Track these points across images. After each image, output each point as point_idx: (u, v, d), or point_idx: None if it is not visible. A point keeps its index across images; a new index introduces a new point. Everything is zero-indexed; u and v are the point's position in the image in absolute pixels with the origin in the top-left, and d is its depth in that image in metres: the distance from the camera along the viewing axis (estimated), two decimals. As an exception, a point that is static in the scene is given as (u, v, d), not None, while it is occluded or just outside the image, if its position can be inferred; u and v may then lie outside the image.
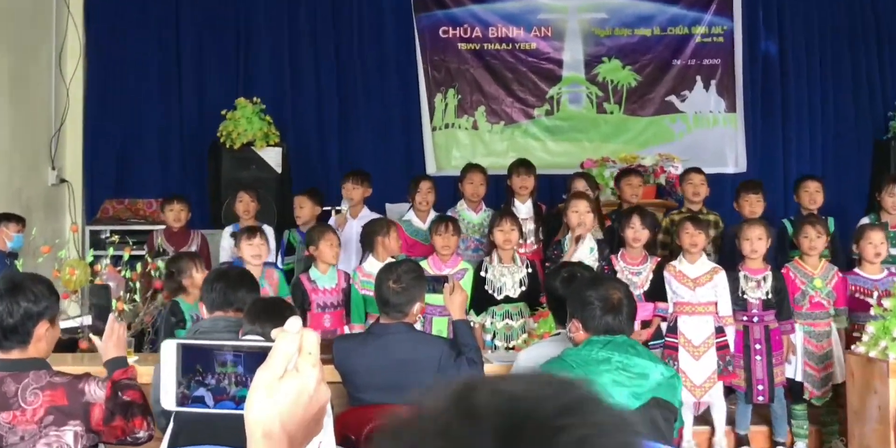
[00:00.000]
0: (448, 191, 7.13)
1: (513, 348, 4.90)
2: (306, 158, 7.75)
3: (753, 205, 5.98)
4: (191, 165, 7.68)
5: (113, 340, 2.96)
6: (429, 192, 6.12)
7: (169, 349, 1.15)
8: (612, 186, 6.85)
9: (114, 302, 4.27)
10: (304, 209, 6.19)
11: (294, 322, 1.06)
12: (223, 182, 7.03)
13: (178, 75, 7.76)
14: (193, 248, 6.16)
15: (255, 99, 7.15)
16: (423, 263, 5.14)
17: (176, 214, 6.23)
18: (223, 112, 7.07)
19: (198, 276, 4.74)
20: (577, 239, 5.07)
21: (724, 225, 6.08)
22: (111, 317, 3.04)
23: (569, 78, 8.00)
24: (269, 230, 5.92)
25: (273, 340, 1.06)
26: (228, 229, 6.17)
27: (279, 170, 7.14)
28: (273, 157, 7.14)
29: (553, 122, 8.01)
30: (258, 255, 5.05)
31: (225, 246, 6.09)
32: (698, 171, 6.26)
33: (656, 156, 7.23)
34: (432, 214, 6.14)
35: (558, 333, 3.44)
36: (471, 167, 6.32)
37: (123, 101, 7.69)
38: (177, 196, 6.38)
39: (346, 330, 5.09)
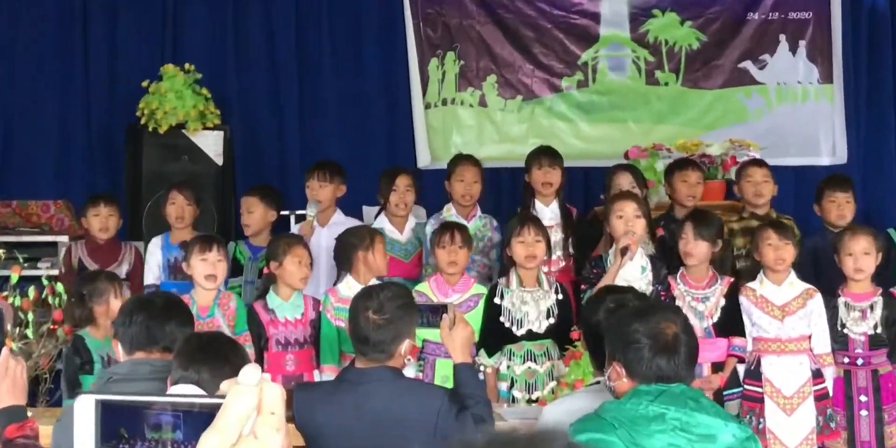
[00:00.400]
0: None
1: (536, 401, 4.91)
2: (256, 146, 7.75)
3: (842, 207, 6.00)
4: (101, 156, 7.66)
5: (7, 384, 2.95)
6: (407, 190, 6.14)
7: (85, 407, 1.15)
8: (665, 183, 6.83)
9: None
10: (254, 214, 6.19)
11: (251, 371, 1.08)
12: (145, 178, 7.03)
13: (84, 34, 7.73)
14: (125, 267, 6.17)
15: (187, 66, 7.14)
16: (423, 287, 5.24)
17: (103, 221, 6.21)
18: (144, 84, 7.07)
19: (116, 303, 4.73)
20: (623, 252, 5.07)
21: (799, 233, 6.03)
22: (4, 351, 3.02)
23: (609, 37, 7.99)
24: None
25: (223, 395, 1.07)
26: (157, 241, 6.17)
27: (220, 161, 7.15)
28: (212, 144, 7.14)
29: (588, 96, 8.00)
30: (213, 274, 5.07)
31: (153, 263, 6.09)
32: (759, 163, 6.29)
33: (726, 142, 7.23)
34: (412, 222, 6.18)
35: (597, 382, 3.46)
36: (460, 160, 6.35)
37: (8, 67, 7.67)
38: (104, 196, 6.37)
39: (316, 375, 5.10)
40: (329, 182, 6.19)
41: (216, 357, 3.08)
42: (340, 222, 6.09)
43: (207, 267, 5.06)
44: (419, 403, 3.41)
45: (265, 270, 5.40)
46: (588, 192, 7.51)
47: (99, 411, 1.15)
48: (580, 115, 8.01)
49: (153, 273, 6.04)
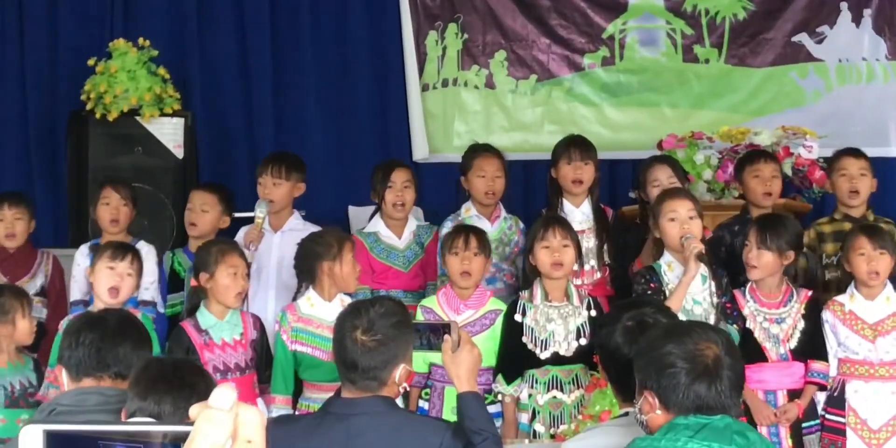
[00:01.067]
0: (449, 188, 7.06)
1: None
2: (223, 136, 7.75)
3: None
4: (39, 148, 7.65)
5: None
6: (406, 186, 6.12)
7: (31, 438, 1.17)
8: (706, 179, 6.84)
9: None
10: (207, 215, 6.17)
11: (224, 393, 1.13)
12: (91, 173, 6.99)
13: (19, 3, 7.70)
14: (40, 280, 6.12)
15: (141, 41, 7.12)
16: (431, 301, 5.24)
17: (8, 226, 6.15)
18: (91, 62, 7.05)
19: (24, 323, 4.79)
20: (700, 258, 5.02)
21: None
22: None
23: (639, 6, 7.99)
24: (146, 250, 5.87)
25: (191, 422, 1.11)
26: (84, 249, 6.08)
27: (180, 154, 7.14)
28: (171, 133, 7.12)
29: (614, 76, 8.02)
30: (116, 288, 5.09)
31: (79, 275, 5.99)
32: (856, 153, 6.21)
33: (778, 130, 7.18)
34: (412, 224, 6.16)
35: (625, 414, 3.44)
36: (479, 150, 6.32)
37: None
38: (9, 197, 6.29)
39: (260, 404, 5.08)
40: (285, 179, 6.12)
41: (181, 386, 3.06)
42: (297, 228, 6.06)
43: (112, 278, 5.10)
44: (417, 440, 3.40)
45: (192, 283, 5.35)
46: (614, 189, 7.44)
47: (47, 444, 1.17)
48: (605, 98, 8.03)
49: (80, 287, 5.95)
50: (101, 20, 7.66)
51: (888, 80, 7.96)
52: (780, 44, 7.97)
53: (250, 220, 6.58)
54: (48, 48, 7.69)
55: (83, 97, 6.98)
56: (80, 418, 3.16)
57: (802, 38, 7.97)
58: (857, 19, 7.96)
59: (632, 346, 3.35)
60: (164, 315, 5.98)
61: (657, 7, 7.99)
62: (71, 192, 7.18)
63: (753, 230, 5.17)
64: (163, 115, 7.04)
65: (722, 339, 3.01)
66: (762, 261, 5.12)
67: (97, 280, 5.12)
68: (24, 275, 6.11)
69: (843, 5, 7.95)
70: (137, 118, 6.99)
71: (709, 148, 7.01)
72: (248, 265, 5.26)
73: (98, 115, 6.93)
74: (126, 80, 6.94)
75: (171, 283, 6.13)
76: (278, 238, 6.02)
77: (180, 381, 3.08)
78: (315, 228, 5.98)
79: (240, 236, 5.97)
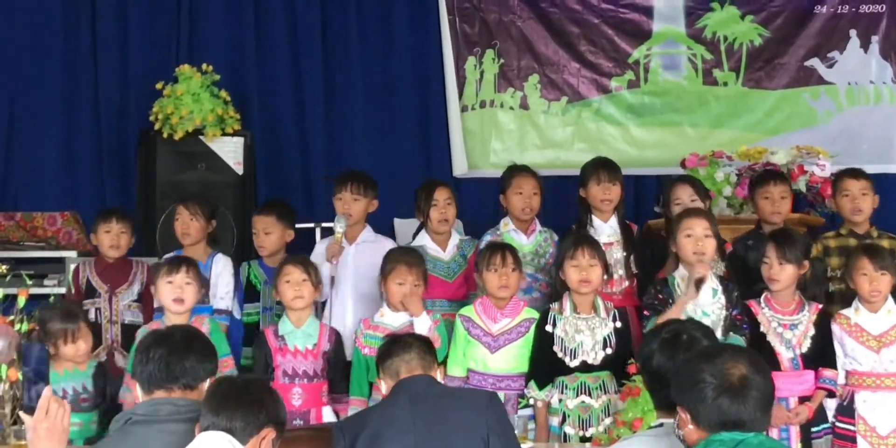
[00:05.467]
0: (486, 202, 7.04)
1: (590, 439, 4.85)
2: (279, 153, 7.75)
3: None
4: (111, 164, 7.67)
5: (44, 429, 2.92)
6: (448, 203, 6.06)
7: None
8: (726, 195, 6.80)
9: (3, 368, 4.20)
10: (272, 236, 6.09)
11: None
12: (159, 188, 7.02)
13: (92, 32, 7.74)
14: (136, 287, 6.07)
15: (205, 66, 7.13)
16: (469, 311, 5.26)
17: (114, 238, 6.07)
18: (158, 86, 7.06)
19: (67, 349, 4.78)
20: (699, 283, 4.99)
21: None
22: (46, 392, 2.99)
23: (662, 33, 7.98)
24: (223, 262, 5.91)
25: None
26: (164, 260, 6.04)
27: (240, 170, 7.14)
28: (231, 151, 7.13)
29: (639, 98, 8.00)
30: (180, 298, 5.11)
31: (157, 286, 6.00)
32: (856, 174, 6.12)
33: (792, 149, 7.12)
34: (455, 238, 6.10)
35: (660, 424, 3.38)
36: (517, 170, 6.25)
37: (10, 68, 7.67)
38: (116, 211, 6.22)
39: (326, 411, 5.12)
40: (363, 195, 6.06)
41: (250, 402, 3.10)
42: (370, 240, 6.04)
43: (174, 290, 5.12)
44: (465, 401, 3.85)
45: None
46: (640, 203, 7.41)
47: None
48: (631, 118, 8.01)
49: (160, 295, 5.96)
50: (168, 47, 7.70)
51: (894, 102, 7.95)
52: (793, 68, 7.97)
53: (310, 231, 6.64)
54: (119, 73, 7.72)
55: (151, 118, 7.01)
56: (155, 427, 3.26)
57: (814, 62, 7.96)
58: (865, 45, 7.94)
59: (664, 355, 3.34)
60: (240, 321, 5.98)
61: (679, 34, 7.99)
62: (140, 205, 7.18)
63: (771, 247, 5.11)
64: (224, 134, 7.06)
65: (753, 361, 2.98)
66: (784, 274, 5.07)
67: (161, 295, 5.15)
68: (121, 283, 6.05)
69: (853, 32, 7.95)
70: (201, 137, 7.01)
71: (728, 166, 6.96)
72: (310, 273, 5.23)
73: (165, 135, 6.96)
74: (191, 102, 6.97)
75: (246, 293, 6.08)
76: (353, 250, 5.96)
77: (249, 397, 3.11)
78: (387, 240, 6.08)
79: (321, 250, 5.92)
